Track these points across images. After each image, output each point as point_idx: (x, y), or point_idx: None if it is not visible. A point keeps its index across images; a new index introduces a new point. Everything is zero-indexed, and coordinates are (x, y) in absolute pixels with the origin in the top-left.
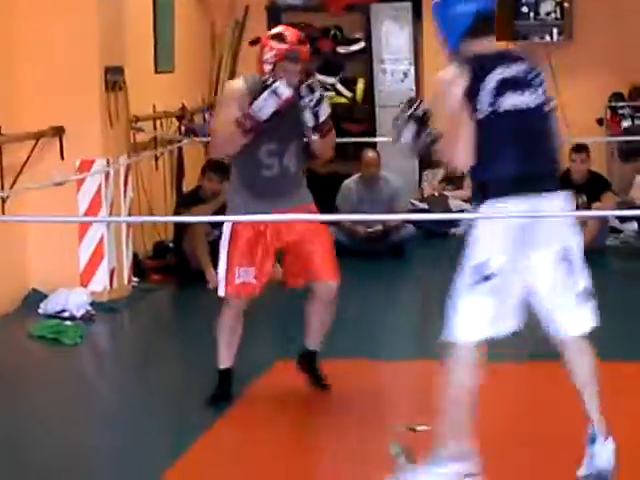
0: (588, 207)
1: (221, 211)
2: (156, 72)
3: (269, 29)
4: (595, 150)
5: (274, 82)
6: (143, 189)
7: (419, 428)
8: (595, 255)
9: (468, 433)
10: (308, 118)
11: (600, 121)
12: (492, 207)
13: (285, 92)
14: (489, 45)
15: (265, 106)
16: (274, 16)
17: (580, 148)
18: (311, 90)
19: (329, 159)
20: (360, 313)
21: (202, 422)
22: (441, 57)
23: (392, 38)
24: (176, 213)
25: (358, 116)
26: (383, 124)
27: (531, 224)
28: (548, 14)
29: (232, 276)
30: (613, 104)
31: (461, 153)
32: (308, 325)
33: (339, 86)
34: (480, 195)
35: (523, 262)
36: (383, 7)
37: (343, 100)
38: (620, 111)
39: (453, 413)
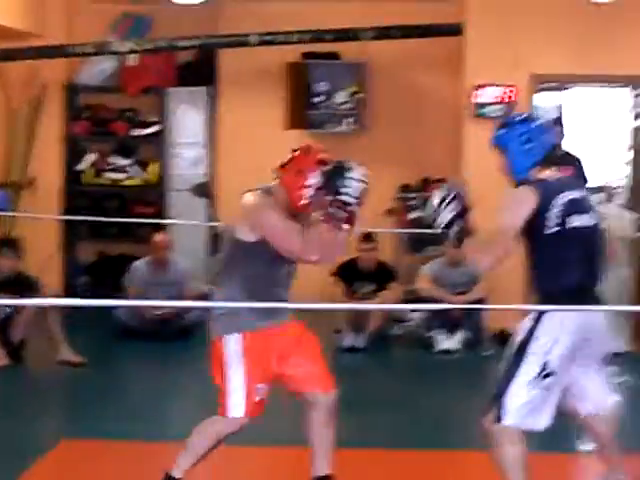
0: (375, 296)
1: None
2: None
3: (66, 108)
4: (384, 240)
5: (348, 166)
6: None
7: None
8: (380, 344)
9: None
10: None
11: (389, 211)
12: (557, 316)
13: None
14: (554, 174)
15: (354, 188)
16: (71, 95)
17: (368, 238)
18: None
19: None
20: (142, 395)
21: None
22: (235, 143)
23: (187, 122)
24: None
25: (150, 199)
26: (175, 207)
27: (587, 330)
28: (342, 104)
29: (251, 395)
30: (402, 195)
31: (495, 260)
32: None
33: (132, 168)
34: (547, 302)
35: (574, 363)
36: (179, 91)
37: (136, 182)
38: (409, 202)
39: None
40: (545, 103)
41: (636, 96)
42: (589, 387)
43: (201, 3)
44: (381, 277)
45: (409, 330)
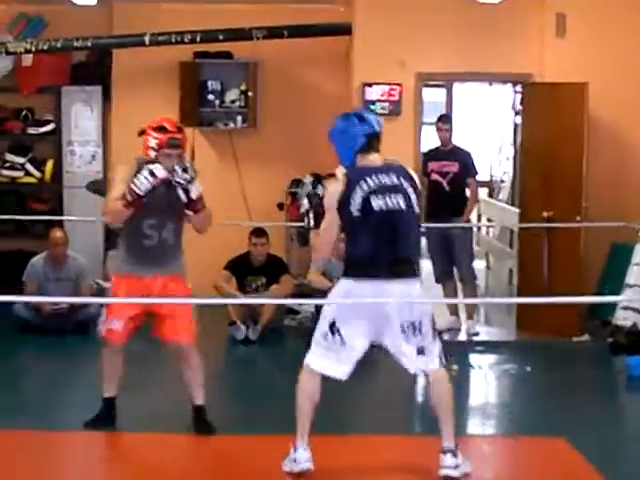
0: (266, 289)
1: None
2: None
3: None
4: (275, 234)
5: (151, 164)
6: None
7: None
8: (273, 336)
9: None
10: (181, 195)
11: (281, 206)
12: (347, 282)
13: (160, 173)
14: (374, 158)
15: (143, 183)
16: None
17: (260, 232)
18: (184, 171)
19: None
20: (37, 388)
21: None
22: (128, 141)
23: (81, 121)
24: None
25: (46, 196)
26: (70, 204)
27: (377, 296)
28: (233, 102)
29: (108, 323)
30: (293, 190)
31: (326, 250)
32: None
33: (28, 166)
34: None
35: (365, 325)
36: (74, 90)
37: (32, 180)
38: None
39: (298, 415)
40: (433, 99)
41: (516, 93)
42: (403, 354)
43: (96, 4)
44: (272, 270)
45: (301, 322)
